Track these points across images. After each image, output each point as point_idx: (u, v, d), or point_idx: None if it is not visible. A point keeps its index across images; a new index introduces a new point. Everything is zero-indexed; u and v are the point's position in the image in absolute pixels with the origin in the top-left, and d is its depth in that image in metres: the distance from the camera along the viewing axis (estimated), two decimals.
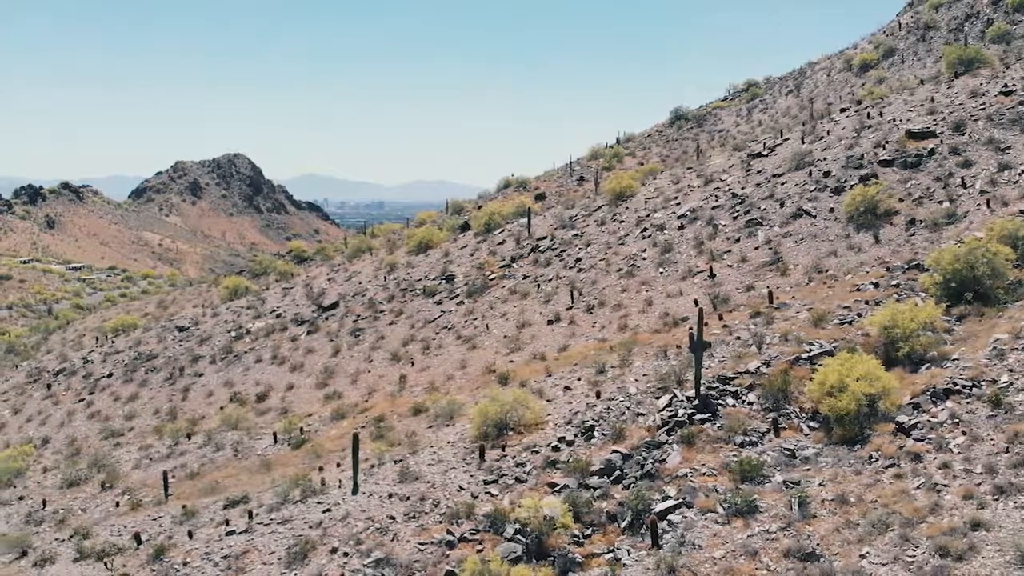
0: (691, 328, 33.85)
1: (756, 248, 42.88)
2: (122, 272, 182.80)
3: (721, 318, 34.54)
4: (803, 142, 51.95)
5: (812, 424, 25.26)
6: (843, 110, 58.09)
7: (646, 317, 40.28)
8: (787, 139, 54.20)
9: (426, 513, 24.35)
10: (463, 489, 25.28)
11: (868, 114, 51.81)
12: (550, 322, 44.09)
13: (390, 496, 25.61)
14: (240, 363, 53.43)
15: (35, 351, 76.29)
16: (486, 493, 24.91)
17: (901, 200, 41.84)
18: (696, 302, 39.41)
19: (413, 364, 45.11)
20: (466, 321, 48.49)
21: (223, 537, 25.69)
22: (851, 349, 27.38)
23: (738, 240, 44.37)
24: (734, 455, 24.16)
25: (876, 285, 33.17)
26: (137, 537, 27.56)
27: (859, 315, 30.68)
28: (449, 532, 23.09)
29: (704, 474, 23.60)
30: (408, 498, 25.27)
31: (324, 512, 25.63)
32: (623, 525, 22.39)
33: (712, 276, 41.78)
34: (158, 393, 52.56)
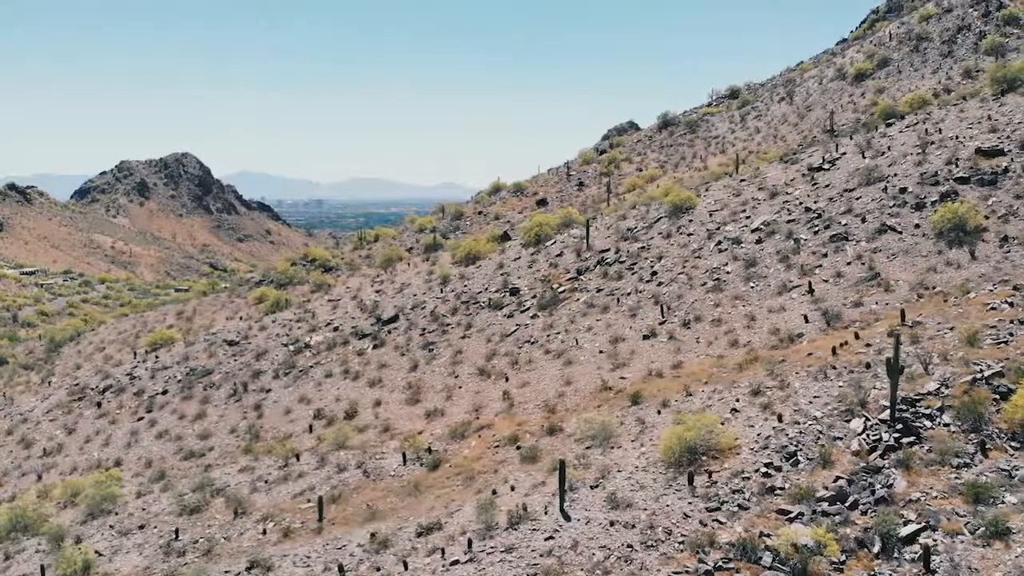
0: (872, 338, 34.83)
1: (848, 263, 44.08)
2: (79, 276, 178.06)
3: (857, 336, 35.58)
4: (863, 156, 53.55)
5: (1014, 444, 26.37)
6: (889, 124, 59.96)
7: (755, 333, 41.12)
8: (844, 153, 55.72)
9: (663, 541, 24.76)
10: (688, 517, 25.74)
11: (926, 130, 53.65)
12: (646, 337, 44.66)
13: (612, 524, 25.93)
14: (308, 378, 52.87)
15: (46, 365, 74.04)
16: (714, 521, 25.41)
17: (986, 217, 43.51)
18: (806, 318, 40.51)
19: (507, 380, 45.17)
20: (548, 335, 48.78)
21: (448, 568, 25.68)
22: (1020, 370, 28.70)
23: (825, 255, 45.55)
24: (955, 477, 25.14)
25: (1010, 304, 34.57)
26: (340, 568, 27.32)
27: (1011, 334, 31.98)
28: (700, 561, 23.55)
29: (936, 497, 24.53)
30: (633, 526, 25.62)
31: (547, 540, 25.82)
32: (875, 551, 23.15)
33: (811, 291, 42.84)
34: (226, 411, 51.70)
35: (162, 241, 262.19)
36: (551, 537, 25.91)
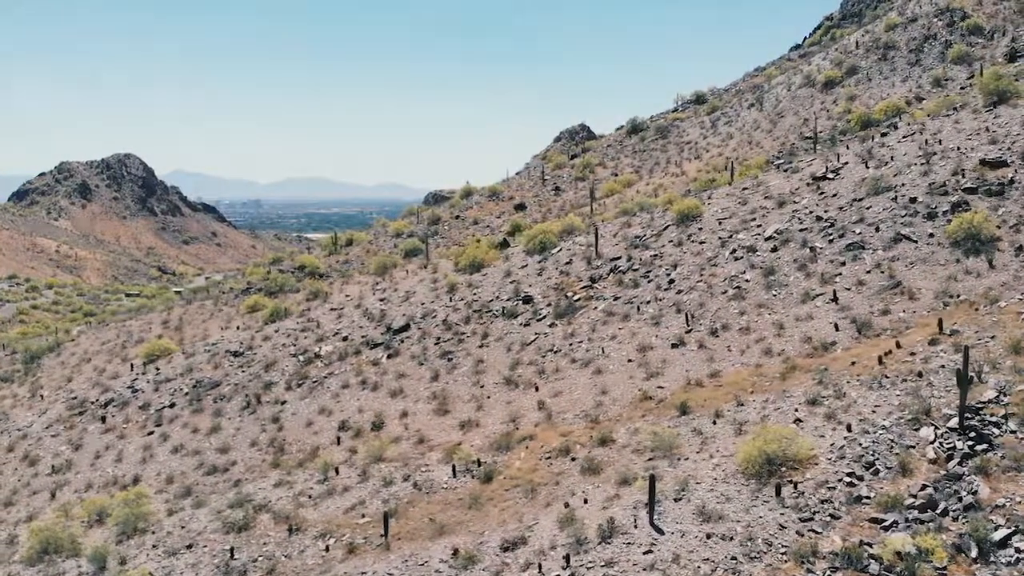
0: (947, 348, 35.80)
1: (868, 272, 45.41)
2: (25, 282, 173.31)
3: (899, 345, 36.80)
4: (867, 166, 55.18)
5: None
6: (884, 134, 61.83)
7: (787, 341, 42.10)
8: (846, 163, 57.31)
9: (765, 553, 25.41)
10: (784, 528, 26.44)
11: (926, 141, 55.48)
12: (674, 345, 45.39)
13: (708, 536, 26.51)
14: (324, 389, 52.49)
15: (28, 377, 72.03)
16: (810, 531, 26.14)
17: (998, 227, 45.26)
18: (836, 326, 41.65)
19: (537, 389, 45.51)
20: (571, 344, 49.25)
21: None
22: None
23: (843, 263, 46.86)
24: None
25: None
26: None
27: None
28: (808, 571, 24.26)
29: (1020, 502, 25.64)
30: (731, 538, 26.22)
31: (646, 554, 26.28)
32: (972, 555, 24.15)
33: (835, 299, 44.05)
34: (242, 423, 51.03)
35: (107, 244, 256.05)
36: (649, 551, 26.36)
